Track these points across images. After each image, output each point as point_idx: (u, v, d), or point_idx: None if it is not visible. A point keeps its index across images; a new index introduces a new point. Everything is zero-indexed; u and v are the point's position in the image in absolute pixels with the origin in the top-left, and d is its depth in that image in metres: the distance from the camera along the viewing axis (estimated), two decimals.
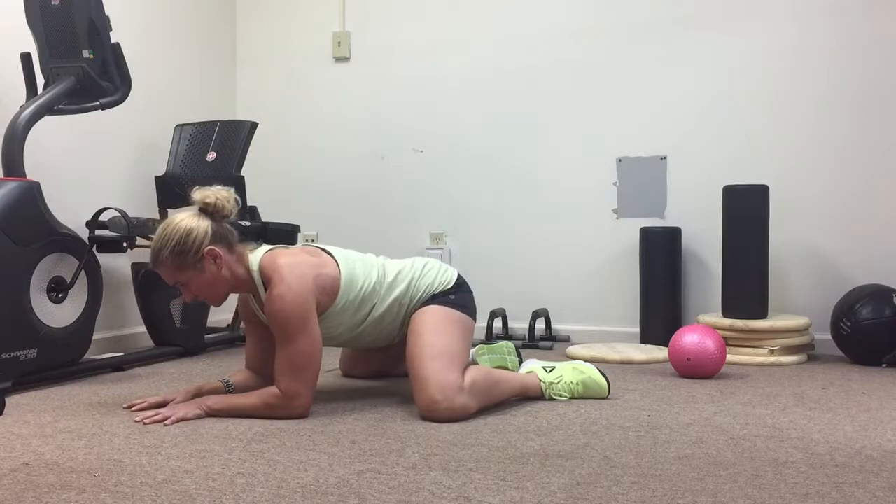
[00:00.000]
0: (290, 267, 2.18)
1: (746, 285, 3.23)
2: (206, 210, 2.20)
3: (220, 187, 2.24)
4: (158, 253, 2.17)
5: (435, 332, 2.28)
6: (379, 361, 2.77)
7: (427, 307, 2.37)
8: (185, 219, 2.18)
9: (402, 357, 2.54)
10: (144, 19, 3.69)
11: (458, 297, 2.42)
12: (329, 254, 2.35)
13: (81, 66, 2.81)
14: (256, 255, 2.26)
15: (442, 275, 2.45)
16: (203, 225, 2.17)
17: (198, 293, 2.22)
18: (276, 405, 2.17)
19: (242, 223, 3.37)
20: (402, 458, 1.81)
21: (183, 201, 3.47)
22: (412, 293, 2.39)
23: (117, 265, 3.42)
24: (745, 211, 3.22)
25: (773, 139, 3.51)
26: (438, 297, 2.39)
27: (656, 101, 3.67)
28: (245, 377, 2.42)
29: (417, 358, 2.23)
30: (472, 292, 2.50)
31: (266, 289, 2.21)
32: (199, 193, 2.21)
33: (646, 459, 1.81)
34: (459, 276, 2.50)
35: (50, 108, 2.78)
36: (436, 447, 1.91)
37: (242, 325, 3.73)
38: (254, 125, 3.57)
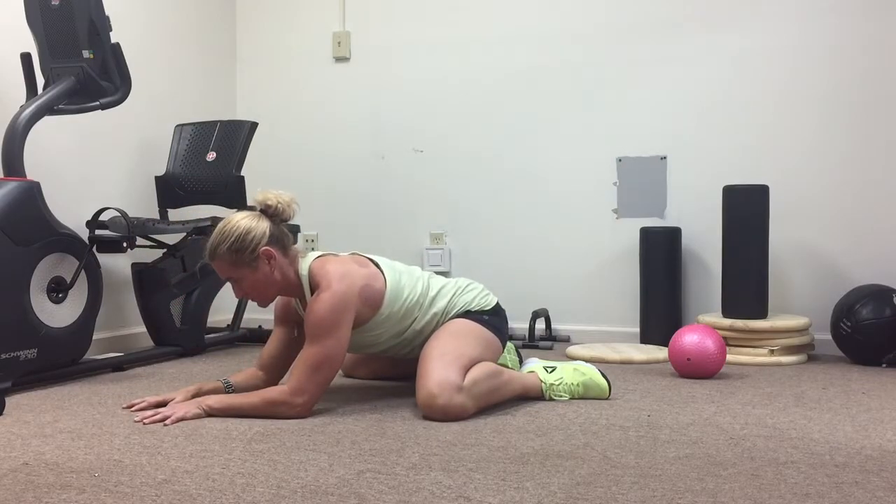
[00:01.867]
0: (339, 274, 2.23)
1: (746, 285, 3.23)
2: (267, 212, 2.26)
3: (281, 191, 2.30)
4: (216, 248, 2.21)
5: (452, 337, 2.32)
6: (380, 363, 2.77)
7: (457, 319, 2.40)
8: (245, 218, 2.24)
9: (402, 360, 2.55)
10: (144, 19, 3.69)
11: (491, 318, 2.45)
12: (376, 264, 2.38)
13: (81, 66, 2.81)
14: (307, 260, 2.32)
15: (482, 297, 2.49)
16: (262, 226, 2.23)
17: (249, 291, 2.27)
18: (279, 402, 2.18)
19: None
20: (402, 458, 1.81)
21: (184, 201, 3.51)
22: (449, 307, 2.42)
23: (117, 265, 3.42)
24: (745, 211, 3.22)
25: (773, 139, 3.51)
26: (472, 314, 2.42)
27: (656, 101, 3.67)
28: (246, 377, 2.43)
29: (426, 357, 2.26)
30: (507, 322, 2.54)
31: (313, 293, 2.25)
32: (261, 195, 2.28)
33: (646, 459, 1.81)
34: (499, 305, 2.53)
35: (50, 108, 2.78)
36: (436, 447, 1.91)
37: (245, 324, 3.75)
38: (254, 125, 3.57)
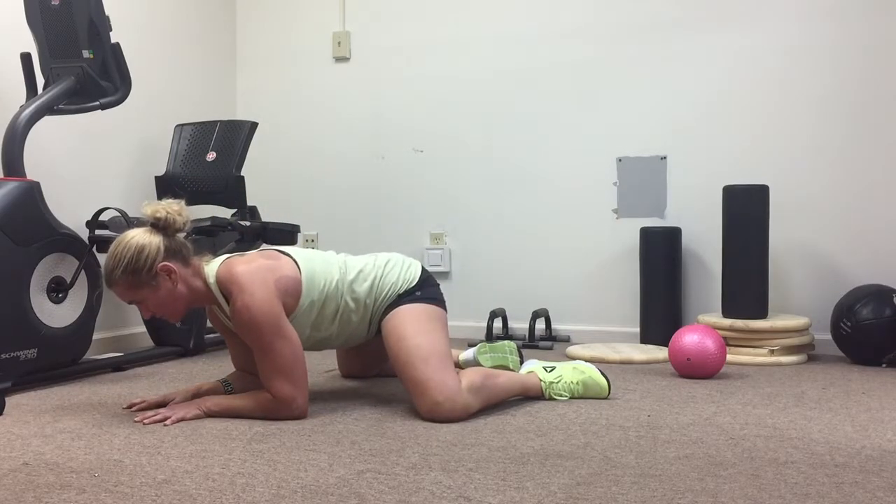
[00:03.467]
0: (248, 274, 2.15)
1: (746, 285, 3.23)
2: (158, 225, 2.16)
3: (170, 200, 2.19)
4: (111, 273, 2.12)
5: (416, 333, 2.26)
6: (378, 362, 2.77)
7: (398, 309, 2.33)
8: (136, 236, 2.14)
9: (383, 356, 2.53)
10: (144, 19, 3.69)
11: (424, 291, 2.39)
12: (287, 255, 2.31)
13: (81, 66, 2.81)
14: (212, 267, 2.23)
15: (405, 272, 2.40)
16: (155, 241, 2.13)
17: (155, 310, 2.18)
18: (273, 409, 2.17)
19: (242, 223, 3.37)
20: (402, 458, 1.81)
21: (183, 201, 3.50)
22: (376, 293, 2.35)
23: None
24: (745, 211, 3.22)
25: (773, 139, 3.51)
26: (405, 297, 2.35)
27: (656, 101, 3.67)
28: (244, 376, 2.42)
29: (407, 363, 2.21)
30: (437, 284, 2.46)
31: (227, 299, 2.19)
32: (149, 208, 2.16)
33: (646, 459, 1.81)
34: (424, 270, 2.45)
35: (50, 108, 2.78)
36: (436, 447, 1.91)
37: None
38: (254, 125, 3.57)
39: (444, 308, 2.42)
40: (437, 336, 2.28)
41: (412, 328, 2.28)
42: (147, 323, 3.27)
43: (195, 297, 2.22)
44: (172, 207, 2.17)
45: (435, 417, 2.15)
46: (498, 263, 3.90)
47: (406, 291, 2.37)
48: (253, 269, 2.17)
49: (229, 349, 2.44)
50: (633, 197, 3.71)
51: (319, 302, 2.29)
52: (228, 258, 2.26)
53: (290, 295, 2.22)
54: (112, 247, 2.14)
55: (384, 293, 2.36)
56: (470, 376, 2.23)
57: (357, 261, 2.41)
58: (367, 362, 2.78)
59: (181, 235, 2.22)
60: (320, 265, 2.31)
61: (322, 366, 2.99)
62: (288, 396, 2.15)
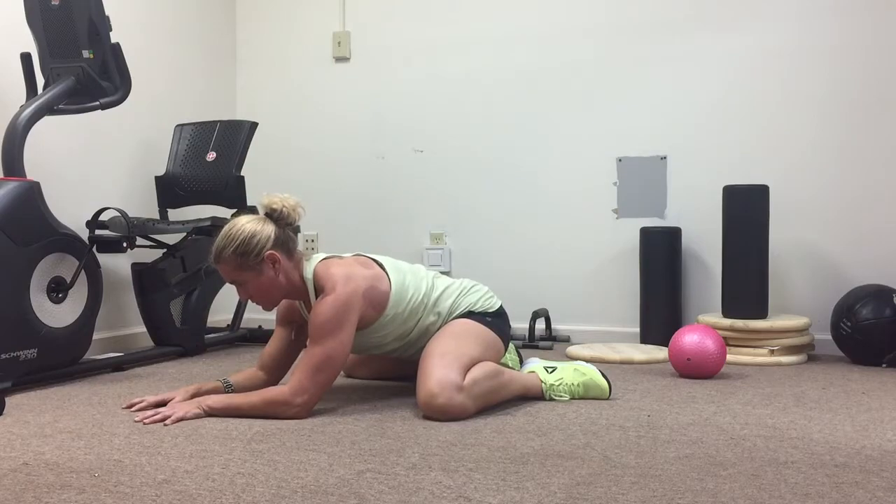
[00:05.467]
0: (344, 277, 2.23)
1: (746, 285, 3.23)
2: (272, 215, 2.26)
3: (287, 195, 2.30)
4: (222, 251, 2.22)
5: (453, 336, 2.32)
6: (381, 364, 2.77)
7: (459, 319, 2.41)
8: (250, 221, 2.24)
9: (405, 361, 2.55)
10: (145, 19, 3.69)
11: (494, 320, 2.46)
12: (380, 265, 2.37)
13: (81, 66, 2.81)
14: (312, 263, 2.31)
15: (486, 299, 2.49)
16: (267, 229, 2.23)
17: (253, 294, 2.27)
18: (278, 402, 2.18)
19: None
20: (402, 458, 1.81)
21: (183, 201, 3.51)
22: (453, 308, 2.42)
23: (117, 265, 3.42)
24: (745, 211, 3.22)
25: (773, 139, 3.51)
26: (475, 315, 2.43)
27: (656, 101, 3.67)
28: (245, 377, 2.43)
29: (427, 356, 2.26)
30: (510, 326, 2.54)
31: (318, 296, 2.26)
32: (266, 198, 2.27)
33: (646, 459, 1.81)
34: (503, 308, 2.53)
35: (50, 108, 2.78)
36: (436, 447, 1.91)
37: (245, 324, 3.75)
38: (254, 125, 3.57)
39: (504, 341, 2.47)
40: (471, 347, 2.31)
41: (453, 333, 2.34)
42: (147, 323, 3.27)
43: (291, 289, 2.30)
44: (289, 202, 2.28)
45: (430, 409, 2.16)
46: (498, 263, 3.90)
47: (479, 312, 2.44)
48: (348, 272, 2.25)
49: (269, 344, 2.47)
50: (633, 197, 3.71)
51: (403, 314, 2.35)
52: (328, 258, 2.34)
53: (374, 307, 2.29)
54: (226, 227, 2.25)
55: (459, 309, 2.43)
56: (474, 373, 2.23)
57: (445, 280, 2.50)
58: (373, 366, 2.79)
59: (291, 229, 2.31)
60: (410, 279, 2.39)
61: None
62: (302, 389, 2.17)
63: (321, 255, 2.36)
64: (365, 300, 2.25)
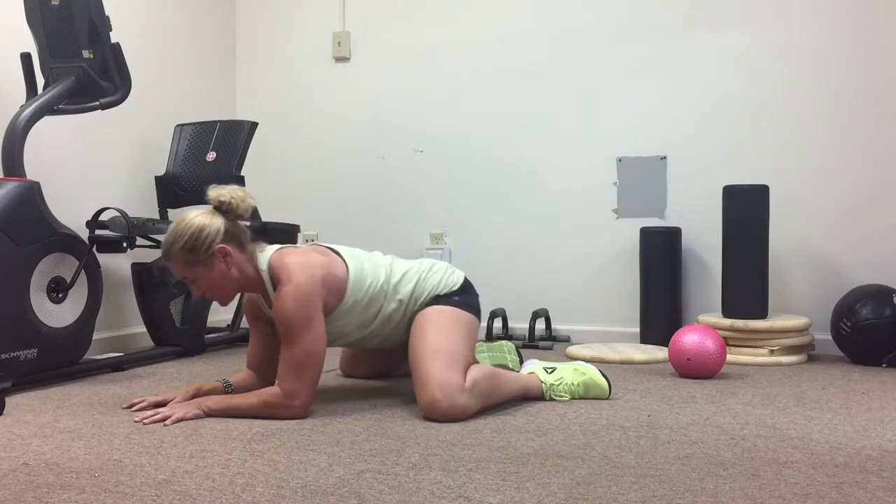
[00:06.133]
0: (299, 266, 2.19)
1: (746, 285, 3.23)
2: (220, 208, 2.23)
3: (235, 187, 2.26)
4: (170, 247, 2.19)
5: (437, 331, 2.29)
6: (379, 362, 2.77)
7: (431, 307, 2.38)
8: (198, 216, 2.21)
9: (403, 358, 2.55)
10: (145, 19, 3.69)
11: (462, 297, 2.43)
12: (337, 253, 2.35)
13: (81, 66, 2.81)
14: (266, 255, 2.27)
15: (448, 276, 2.46)
16: (216, 223, 2.20)
17: (206, 290, 2.23)
18: (276, 404, 2.17)
19: (242, 223, 3.37)
20: (402, 458, 1.81)
21: (183, 201, 3.51)
22: (417, 294, 2.39)
23: (117, 265, 3.42)
24: (745, 211, 3.22)
25: (773, 139, 3.51)
26: (442, 298, 2.40)
27: (656, 101, 3.67)
28: (245, 377, 2.43)
29: (419, 356, 2.24)
30: (477, 295, 2.51)
31: (275, 288, 2.22)
32: (214, 192, 2.24)
33: (646, 459, 1.81)
34: (466, 279, 2.50)
35: (50, 108, 2.78)
36: (436, 447, 1.91)
37: (245, 324, 3.75)
38: (254, 125, 3.57)
39: (478, 316, 2.45)
40: (455, 337, 2.30)
41: (434, 325, 2.31)
42: (147, 323, 3.27)
43: (246, 282, 2.27)
44: (237, 193, 2.23)
45: (433, 413, 2.16)
46: (498, 263, 3.90)
47: (445, 294, 2.41)
48: (304, 261, 2.21)
49: (250, 344, 2.45)
50: (633, 197, 3.71)
51: (363, 302, 2.32)
52: (282, 248, 2.30)
53: (333, 294, 2.26)
54: (174, 223, 2.21)
55: (424, 294, 2.39)
56: (473, 374, 2.23)
57: (403, 263, 2.45)
58: (371, 364, 2.78)
59: (242, 222, 2.27)
60: (368, 265, 2.36)
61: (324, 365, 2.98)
62: (295, 391, 2.16)
63: (276, 247, 2.31)
64: (324, 287, 2.21)
